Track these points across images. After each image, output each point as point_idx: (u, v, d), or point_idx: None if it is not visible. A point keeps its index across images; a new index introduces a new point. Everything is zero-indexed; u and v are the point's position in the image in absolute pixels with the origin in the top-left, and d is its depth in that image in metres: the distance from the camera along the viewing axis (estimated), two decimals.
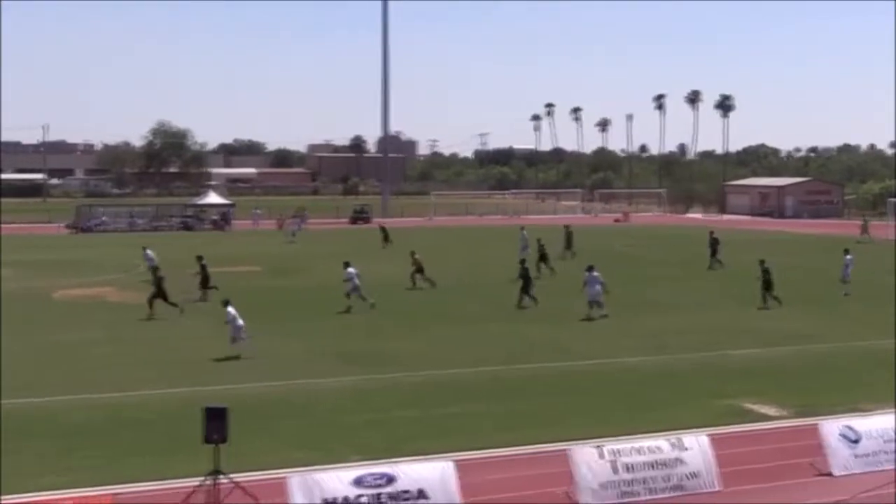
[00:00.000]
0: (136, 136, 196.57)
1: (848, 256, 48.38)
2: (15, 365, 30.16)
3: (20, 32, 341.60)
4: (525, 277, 42.44)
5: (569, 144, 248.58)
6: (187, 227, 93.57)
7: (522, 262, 44.85)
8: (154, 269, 44.90)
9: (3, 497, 17.03)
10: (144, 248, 53.87)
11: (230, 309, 31.80)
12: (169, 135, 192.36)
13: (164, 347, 33.03)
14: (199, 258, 45.50)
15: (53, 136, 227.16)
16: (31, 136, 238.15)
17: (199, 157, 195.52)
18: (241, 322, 31.62)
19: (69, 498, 15.98)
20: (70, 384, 27.81)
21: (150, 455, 20.82)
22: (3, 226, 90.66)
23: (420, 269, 48.73)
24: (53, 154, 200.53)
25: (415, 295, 46.00)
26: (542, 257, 53.33)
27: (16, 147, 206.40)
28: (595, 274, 39.49)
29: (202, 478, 18.00)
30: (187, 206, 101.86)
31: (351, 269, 41.70)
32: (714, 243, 59.05)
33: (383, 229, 75.72)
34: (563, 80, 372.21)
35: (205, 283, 44.24)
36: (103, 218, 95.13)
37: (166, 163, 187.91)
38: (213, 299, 40.88)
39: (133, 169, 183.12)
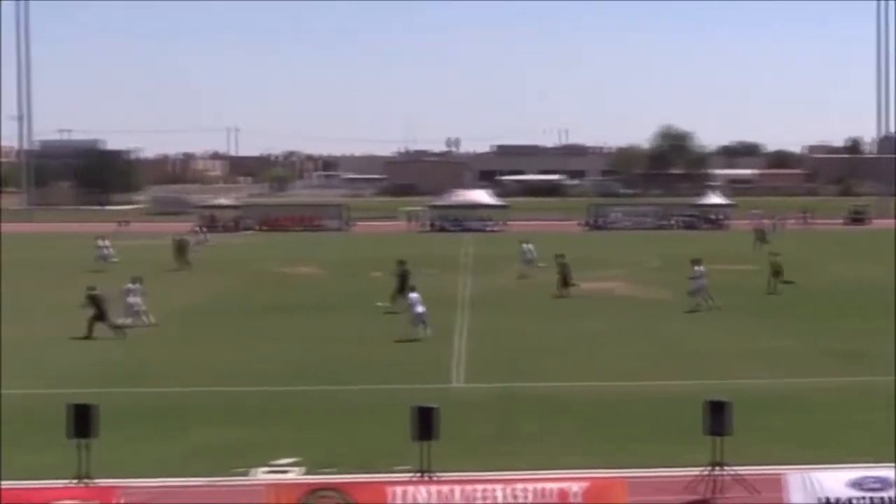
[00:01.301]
0: (645, 139, 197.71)
1: None
2: (534, 354, 31.57)
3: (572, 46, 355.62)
4: None
5: None
6: (690, 227, 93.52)
7: None
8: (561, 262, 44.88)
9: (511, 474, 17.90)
10: (522, 243, 54.32)
11: (413, 295, 32.65)
12: (673, 137, 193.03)
13: (667, 340, 33.33)
14: (401, 262, 41.35)
15: (571, 140, 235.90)
16: (551, 140, 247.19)
17: (702, 159, 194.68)
18: (421, 309, 32.07)
19: (585, 478, 16.60)
20: (581, 371, 28.78)
21: (654, 443, 21.14)
22: (527, 222, 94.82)
23: (777, 273, 44.86)
24: (571, 156, 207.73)
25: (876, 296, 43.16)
26: None
27: (537, 150, 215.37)
28: None
29: (703, 468, 18.06)
30: (690, 205, 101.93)
31: (699, 268, 39.94)
32: None
33: (758, 231, 70.86)
34: None
35: (401, 288, 38.58)
36: (614, 216, 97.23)
37: (671, 164, 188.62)
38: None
39: (640, 170, 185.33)
